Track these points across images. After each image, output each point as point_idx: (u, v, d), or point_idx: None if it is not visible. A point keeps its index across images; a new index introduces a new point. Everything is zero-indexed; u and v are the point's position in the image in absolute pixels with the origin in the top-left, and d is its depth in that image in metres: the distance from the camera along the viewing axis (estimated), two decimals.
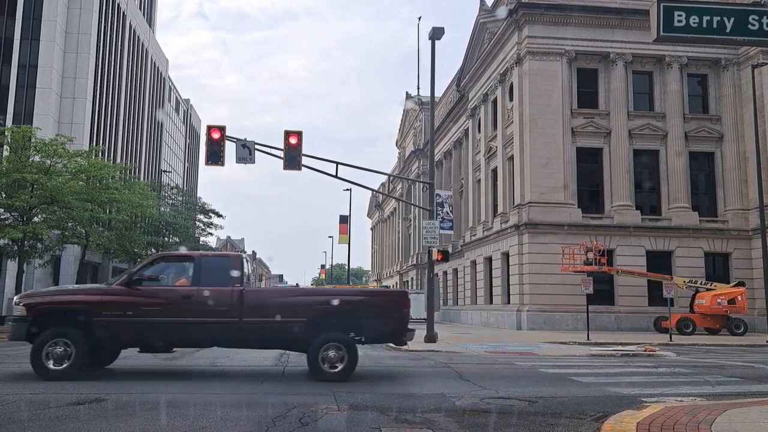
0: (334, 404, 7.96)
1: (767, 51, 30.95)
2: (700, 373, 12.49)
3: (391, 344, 11.30)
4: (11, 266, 38.83)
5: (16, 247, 32.36)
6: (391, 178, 71.35)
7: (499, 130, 37.77)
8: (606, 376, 11.49)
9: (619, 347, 19.17)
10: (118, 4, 60.22)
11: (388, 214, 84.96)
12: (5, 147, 34.66)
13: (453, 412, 7.64)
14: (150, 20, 73.92)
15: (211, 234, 62.89)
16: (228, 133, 19.22)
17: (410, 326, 11.02)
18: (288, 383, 10.25)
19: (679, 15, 6.45)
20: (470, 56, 43.31)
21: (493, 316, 36.38)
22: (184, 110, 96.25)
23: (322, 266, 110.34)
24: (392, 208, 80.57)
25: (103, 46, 56.51)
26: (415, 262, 63.07)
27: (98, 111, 55.53)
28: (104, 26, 56.78)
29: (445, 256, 22.35)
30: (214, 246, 74.77)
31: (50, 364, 9.82)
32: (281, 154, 19.86)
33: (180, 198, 60.62)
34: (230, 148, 19.28)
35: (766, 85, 32.00)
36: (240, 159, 19.35)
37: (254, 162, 19.63)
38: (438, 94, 51.26)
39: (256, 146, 19.69)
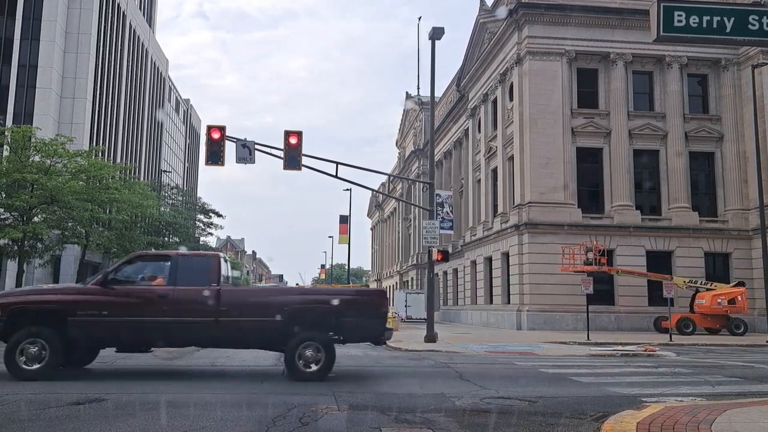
0: (334, 404, 7.96)
1: (767, 51, 30.95)
2: (700, 373, 12.49)
3: (371, 343, 11.20)
4: (11, 266, 38.85)
5: (16, 247, 32.38)
6: (391, 178, 71.36)
7: (499, 130, 37.77)
8: (606, 376, 11.49)
9: (619, 347, 19.17)
10: (118, 4, 60.23)
11: (388, 214, 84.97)
12: (5, 147, 34.68)
13: (453, 412, 7.65)
14: (150, 20, 73.93)
15: (211, 234, 62.98)
16: (228, 133, 19.23)
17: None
18: (288, 383, 10.24)
19: (679, 15, 6.45)
20: (470, 56, 43.31)
21: (493, 316, 36.38)
22: (184, 110, 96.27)
23: (322, 266, 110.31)
24: (392, 208, 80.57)
25: (103, 46, 56.52)
26: (415, 262, 63.07)
27: (98, 111, 55.54)
28: (104, 26, 56.79)
29: (445, 256, 22.35)
30: (214, 246, 74.81)
31: (24, 364, 9.76)
32: (281, 154, 19.86)
33: (180, 198, 60.66)
34: (230, 148, 19.31)
35: (766, 85, 31.99)
36: (240, 159, 19.36)
37: (254, 162, 19.65)
38: (438, 94, 51.27)
39: (256, 146, 19.69)
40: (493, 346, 19.21)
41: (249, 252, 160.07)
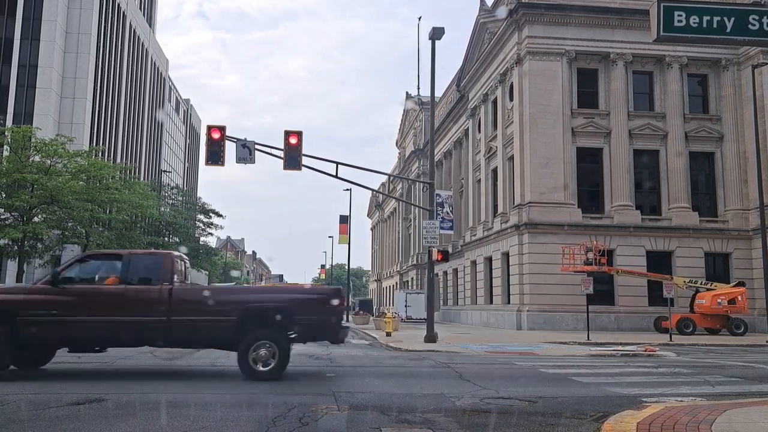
0: (334, 404, 7.96)
1: (767, 51, 30.94)
2: (700, 373, 12.48)
3: (328, 342, 11.13)
4: (11, 266, 38.87)
5: (16, 247, 32.39)
6: (391, 178, 71.36)
7: (499, 130, 37.77)
8: (606, 376, 11.49)
9: (619, 347, 19.16)
10: (119, 4, 60.24)
11: (388, 214, 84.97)
12: (5, 147, 34.71)
13: (453, 412, 7.64)
14: (150, 20, 73.95)
15: (211, 234, 63.01)
16: (228, 133, 19.23)
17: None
18: (288, 383, 10.24)
19: (679, 15, 6.45)
20: (470, 56, 43.31)
21: (493, 316, 36.38)
22: (184, 110, 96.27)
23: (322, 266, 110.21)
24: (392, 208, 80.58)
25: (103, 46, 56.54)
26: (415, 262, 63.06)
27: (98, 111, 55.57)
28: (104, 26, 56.81)
29: (445, 256, 22.34)
30: (214, 246, 74.80)
31: None
32: (281, 154, 19.86)
33: (180, 198, 60.67)
34: (230, 148, 19.32)
35: (766, 85, 31.98)
36: (240, 159, 19.36)
37: (254, 162, 19.65)
38: (438, 94, 51.26)
39: (256, 146, 19.69)
40: (493, 346, 19.20)
41: (249, 252, 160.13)
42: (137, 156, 67.33)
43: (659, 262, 32.11)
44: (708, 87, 34.93)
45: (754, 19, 6.54)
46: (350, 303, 62.78)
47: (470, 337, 25.16)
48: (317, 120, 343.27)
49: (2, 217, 33.10)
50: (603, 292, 30.11)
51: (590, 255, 28.27)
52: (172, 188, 62.94)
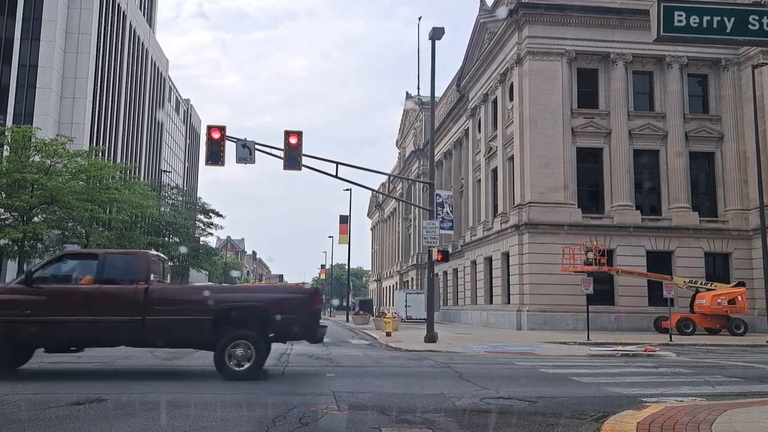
0: (334, 404, 7.96)
1: (767, 51, 30.94)
2: (701, 373, 12.48)
3: (306, 341, 11.09)
4: (11, 266, 38.87)
5: (16, 247, 32.40)
6: (391, 178, 71.36)
7: (499, 130, 37.77)
8: (606, 376, 11.49)
9: (619, 347, 19.16)
10: (119, 4, 60.25)
11: (388, 214, 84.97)
12: (5, 147, 34.72)
13: (453, 412, 7.64)
14: (150, 20, 73.95)
15: (212, 234, 63.04)
16: (228, 133, 19.23)
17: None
18: (288, 383, 10.25)
19: (679, 15, 6.45)
20: (470, 56, 43.31)
21: (493, 316, 36.38)
22: (184, 110, 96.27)
23: (322, 266, 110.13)
24: (392, 208, 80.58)
25: (104, 46, 56.54)
26: (415, 262, 63.06)
27: (98, 111, 55.57)
28: (104, 26, 56.82)
29: (445, 256, 22.33)
30: (214, 246, 74.82)
31: None
32: (281, 154, 19.86)
33: (180, 198, 60.68)
34: (230, 148, 19.32)
35: (766, 85, 31.98)
36: (240, 159, 19.36)
37: (254, 162, 19.65)
38: (438, 94, 51.27)
39: (256, 146, 19.69)
40: (493, 346, 19.20)
41: (249, 252, 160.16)
42: (137, 156, 67.33)
43: (659, 262, 32.11)
44: (708, 87, 34.93)
45: (754, 19, 6.54)
46: (350, 303, 62.78)
47: (470, 337, 25.16)
48: (317, 120, 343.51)
49: (2, 217, 33.11)
50: (603, 292, 30.11)
51: (590, 255, 28.26)
52: (172, 188, 62.94)
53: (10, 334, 10.02)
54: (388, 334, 24.44)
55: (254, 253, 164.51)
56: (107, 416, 7.09)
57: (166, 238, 52.40)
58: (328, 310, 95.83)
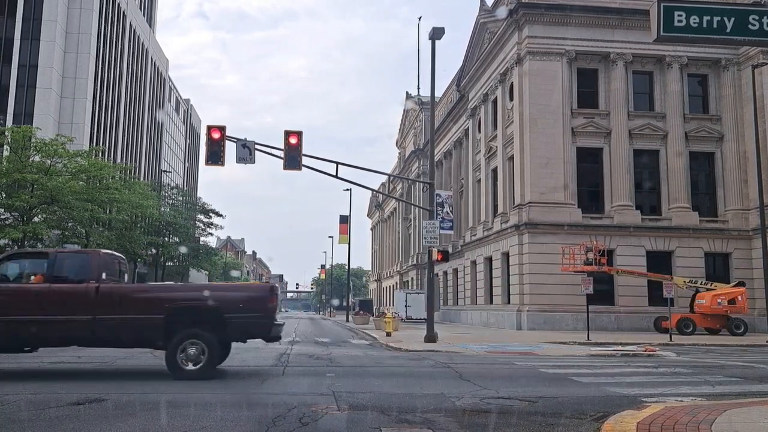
0: (334, 404, 7.96)
1: (767, 51, 30.94)
2: (701, 373, 12.48)
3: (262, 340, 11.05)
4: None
5: (16, 247, 32.35)
6: (391, 178, 71.37)
7: (499, 130, 37.78)
8: (606, 376, 11.49)
9: (619, 347, 19.16)
10: (119, 4, 60.25)
11: (388, 214, 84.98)
12: (5, 147, 34.72)
13: (453, 412, 7.65)
14: (150, 20, 73.95)
15: (211, 234, 63.09)
16: (228, 133, 19.23)
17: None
18: (288, 383, 10.25)
19: (679, 15, 6.45)
20: (470, 56, 43.31)
21: (493, 316, 36.38)
22: (184, 110, 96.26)
23: (322, 266, 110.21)
24: (392, 208, 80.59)
25: (104, 46, 56.54)
26: (415, 262, 63.06)
27: (98, 111, 55.57)
28: (104, 26, 56.81)
29: (445, 256, 22.34)
30: (214, 246, 74.85)
31: None
32: (281, 154, 19.87)
33: (180, 198, 60.70)
34: (230, 148, 19.33)
35: (767, 85, 31.98)
36: (240, 159, 19.36)
37: (254, 162, 19.65)
38: (438, 94, 51.27)
39: (256, 146, 19.70)
40: (493, 346, 19.20)
41: (249, 252, 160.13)
42: (137, 156, 67.33)
43: (659, 262, 32.12)
44: (708, 87, 34.94)
45: (754, 19, 6.55)
46: (350, 303, 62.81)
47: (470, 337, 25.16)
48: (317, 120, 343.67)
49: (2, 217, 33.11)
50: (603, 292, 30.11)
51: (590, 255, 28.26)
52: (172, 188, 62.96)
53: None
54: (388, 334, 24.45)
55: (254, 253, 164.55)
56: (107, 416, 7.09)
57: (166, 238, 52.42)
58: (328, 310, 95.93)
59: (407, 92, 79.13)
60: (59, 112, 51.88)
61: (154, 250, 51.84)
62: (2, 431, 6.29)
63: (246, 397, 8.62)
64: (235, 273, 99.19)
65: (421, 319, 43.00)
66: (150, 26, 73.28)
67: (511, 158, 35.63)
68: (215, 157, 18.97)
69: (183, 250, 54.77)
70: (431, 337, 20.85)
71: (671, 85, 33.88)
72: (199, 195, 79.56)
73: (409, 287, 62.19)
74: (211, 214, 58.29)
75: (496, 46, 37.53)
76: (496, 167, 38.17)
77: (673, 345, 21.45)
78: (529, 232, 32.20)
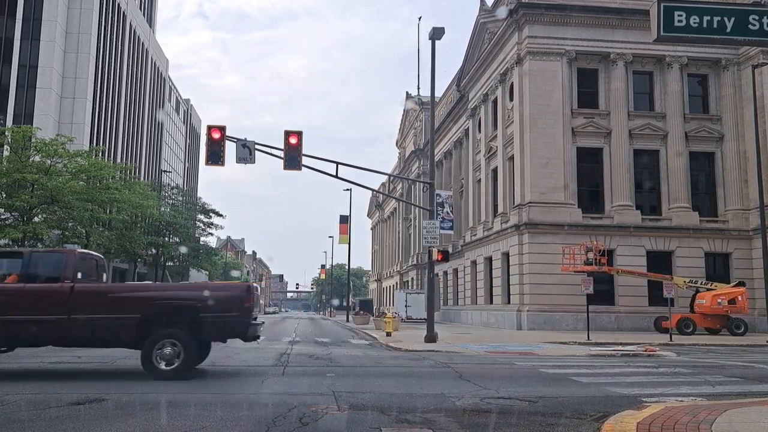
0: (334, 404, 7.96)
1: (767, 51, 30.94)
2: (701, 373, 12.48)
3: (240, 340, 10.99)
4: None
5: (16, 247, 32.36)
6: (392, 178, 71.37)
7: (499, 130, 37.78)
8: (606, 376, 11.49)
9: (620, 347, 19.16)
10: (119, 4, 60.24)
11: (388, 214, 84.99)
12: (6, 147, 34.73)
13: (453, 412, 7.65)
14: (150, 20, 73.94)
15: (212, 234, 63.10)
16: (228, 133, 19.24)
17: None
18: (288, 383, 10.25)
19: (679, 15, 6.45)
20: (470, 56, 43.31)
21: (493, 316, 36.38)
22: (184, 110, 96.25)
23: (322, 266, 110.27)
24: (392, 208, 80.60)
25: (104, 47, 56.53)
26: (415, 262, 63.07)
27: (98, 111, 55.56)
28: (104, 26, 56.81)
29: (446, 256, 22.34)
30: (214, 246, 74.86)
31: None
32: (281, 154, 19.87)
33: (180, 198, 60.70)
34: (230, 148, 19.34)
35: (767, 85, 31.98)
36: (240, 159, 19.37)
37: (254, 162, 19.66)
38: (438, 94, 51.28)
39: (256, 146, 19.70)
40: (493, 346, 19.20)
41: (249, 252, 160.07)
42: (137, 156, 67.32)
43: (659, 262, 32.11)
44: (708, 87, 34.94)
45: (754, 19, 6.55)
46: (350, 303, 62.83)
47: (470, 337, 25.16)
48: (317, 120, 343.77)
49: (2, 217, 33.12)
50: (603, 292, 30.11)
51: (590, 255, 28.26)
52: (172, 188, 62.96)
53: None
54: (388, 334, 24.45)
55: (254, 253, 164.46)
56: (107, 416, 7.09)
57: (166, 238, 52.42)
58: (329, 310, 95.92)
59: (407, 92, 79.18)
60: (59, 112, 51.87)
61: (154, 250, 51.85)
62: (2, 431, 6.29)
63: (246, 396, 8.62)
64: (235, 273, 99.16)
65: (421, 319, 43.00)
66: (150, 26, 73.28)
67: (511, 158, 35.63)
68: (215, 157, 18.98)
69: (183, 250, 54.79)
70: (431, 337, 20.85)
71: (671, 85, 33.88)
72: (199, 195, 79.61)
73: (409, 287, 62.20)
74: (211, 214, 58.30)
75: (496, 46, 37.53)
76: (496, 167, 38.18)
77: (673, 345, 21.45)
78: (529, 232, 32.20)
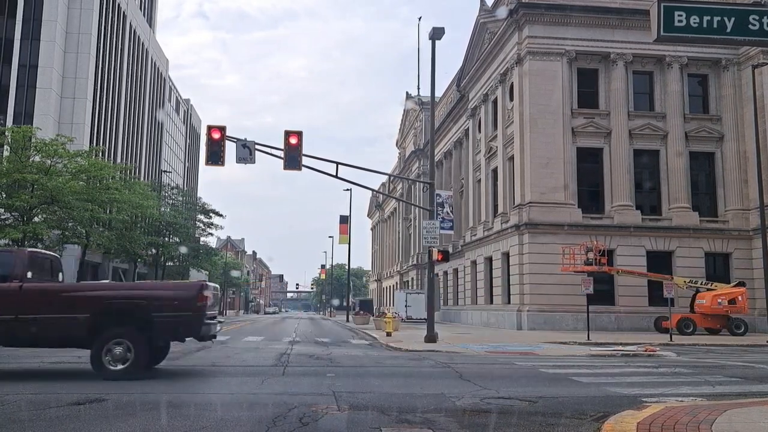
0: (334, 404, 7.96)
1: (767, 51, 30.94)
2: (701, 373, 12.48)
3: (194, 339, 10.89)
4: None
5: (16, 248, 32.35)
6: (392, 178, 71.37)
7: (499, 130, 37.78)
8: (606, 376, 11.49)
9: (620, 347, 19.16)
10: (119, 4, 60.23)
11: (388, 214, 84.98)
12: (5, 147, 34.71)
13: (453, 412, 7.64)
14: (150, 20, 73.92)
15: (212, 234, 63.04)
16: (228, 133, 19.24)
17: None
18: (288, 383, 10.25)
19: (679, 15, 6.45)
20: (470, 56, 43.31)
21: (493, 316, 36.39)
22: (184, 110, 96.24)
23: (323, 266, 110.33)
24: (392, 208, 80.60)
25: (104, 47, 56.52)
26: (415, 262, 63.07)
27: (98, 111, 55.54)
28: (104, 26, 56.79)
29: (446, 256, 22.34)
30: (214, 246, 74.84)
31: None
32: (281, 154, 19.88)
33: (180, 198, 60.66)
34: (230, 148, 19.33)
35: (767, 85, 31.98)
36: (240, 159, 19.36)
37: (254, 162, 19.66)
38: (438, 94, 51.22)
39: (256, 146, 19.70)
40: (493, 346, 19.20)
41: (249, 252, 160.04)
42: (137, 156, 67.31)
43: (659, 262, 32.12)
44: (708, 87, 34.94)
45: (754, 19, 6.55)
46: (350, 303, 62.84)
47: (470, 337, 25.16)
48: (317, 120, 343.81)
49: (2, 217, 33.10)
50: (603, 292, 30.11)
51: (590, 255, 28.26)
52: (172, 188, 62.93)
53: None
54: (389, 334, 24.45)
55: (254, 253, 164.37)
56: (107, 416, 7.08)
57: (166, 238, 52.40)
58: (329, 310, 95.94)
59: (407, 92, 79.16)
60: (59, 112, 51.84)
61: (154, 250, 51.83)
62: (2, 431, 6.28)
63: (246, 397, 8.62)
64: (235, 273, 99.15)
65: (421, 319, 43.00)
66: (150, 26, 73.26)
67: (512, 158, 35.63)
68: (215, 157, 18.98)
69: (183, 250, 54.76)
70: (431, 337, 20.84)
71: (671, 85, 33.88)
72: (199, 195, 79.52)
73: (410, 287, 62.21)
74: (211, 214, 58.24)
75: (496, 46, 37.53)
76: (497, 167, 38.18)
77: (673, 345, 21.45)
78: (529, 232, 32.20)
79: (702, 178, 34.94)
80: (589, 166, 33.89)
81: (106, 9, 57.04)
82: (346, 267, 68.27)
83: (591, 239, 30.16)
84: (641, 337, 24.35)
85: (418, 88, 73.37)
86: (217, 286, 12.13)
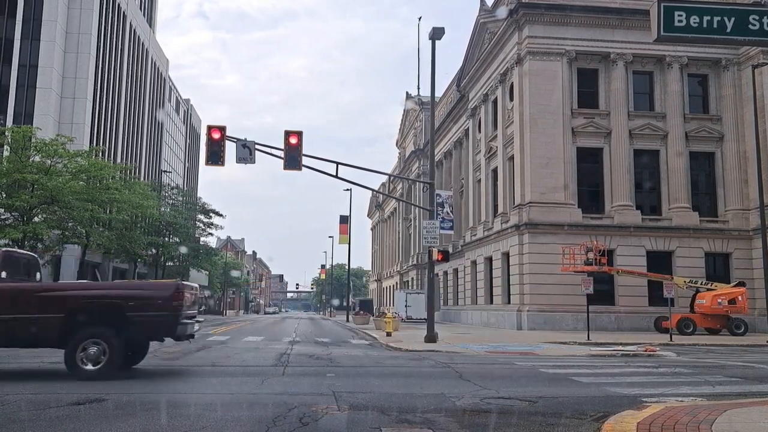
0: (334, 404, 7.96)
1: (767, 51, 30.94)
2: (701, 373, 12.49)
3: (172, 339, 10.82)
4: None
5: (16, 248, 32.36)
6: (392, 178, 71.37)
7: (499, 130, 37.78)
8: (606, 376, 11.49)
9: (620, 347, 19.16)
10: (119, 4, 60.23)
11: (388, 214, 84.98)
12: (6, 147, 34.72)
13: (453, 412, 7.64)
14: (150, 20, 73.93)
15: (212, 234, 63.11)
16: (228, 133, 19.24)
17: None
18: (288, 383, 10.25)
19: (679, 15, 6.45)
20: (470, 56, 43.31)
21: (493, 316, 36.38)
22: (184, 110, 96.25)
23: (323, 266, 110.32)
24: (392, 208, 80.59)
25: (104, 47, 56.52)
26: (415, 262, 63.07)
27: (98, 111, 55.54)
28: (104, 26, 56.79)
29: (446, 256, 22.34)
30: (214, 246, 74.88)
31: None
32: (281, 154, 19.88)
33: (180, 198, 60.69)
34: (230, 148, 19.33)
35: (767, 85, 31.98)
36: (240, 159, 19.37)
37: (254, 162, 19.66)
38: (438, 94, 51.20)
39: (256, 146, 19.70)
40: (493, 346, 19.20)
41: (249, 252, 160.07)
42: (137, 156, 67.31)
43: (659, 262, 32.11)
44: (708, 87, 34.94)
45: (754, 19, 6.55)
46: (350, 303, 62.84)
47: (470, 337, 25.16)
48: (317, 120, 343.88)
49: (2, 217, 33.11)
50: (603, 292, 30.11)
51: (590, 255, 28.26)
52: (172, 188, 62.96)
53: None
54: (389, 334, 24.45)
55: (254, 253, 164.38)
56: (107, 416, 7.09)
57: (167, 238, 52.44)
58: (329, 310, 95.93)
59: (407, 92, 79.14)
60: (59, 112, 51.84)
61: (154, 250, 51.86)
62: (2, 431, 6.28)
63: (246, 397, 8.62)
64: (235, 273, 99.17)
65: (421, 319, 43.00)
66: (150, 26, 73.26)
67: (511, 158, 35.63)
68: (215, 157, 18.98)
69: (183, 250, 54.80)
70: (431, 337, 20.84)
71: (671, 85, 33.88)
72: (199, 195, 79.59)
73: (410, 287, 62.20)
74: (211, 214, 58.30)
75: (496, 46, 37.53)
76: (497, 167, 38.18)
77: (673, 345, 21.45)
78: (529, 232, 32.20)
79: (702, 178, 34.94)
80: (589, 166, 33.89)
81: (106, 9, 57.04)
82: (346, 267, 68.28)
83: (591, 239, 30.15)
84: (641, 337, 24.34)
85: (418, 88, 73.42)
86: (196, 285, 12.03)
